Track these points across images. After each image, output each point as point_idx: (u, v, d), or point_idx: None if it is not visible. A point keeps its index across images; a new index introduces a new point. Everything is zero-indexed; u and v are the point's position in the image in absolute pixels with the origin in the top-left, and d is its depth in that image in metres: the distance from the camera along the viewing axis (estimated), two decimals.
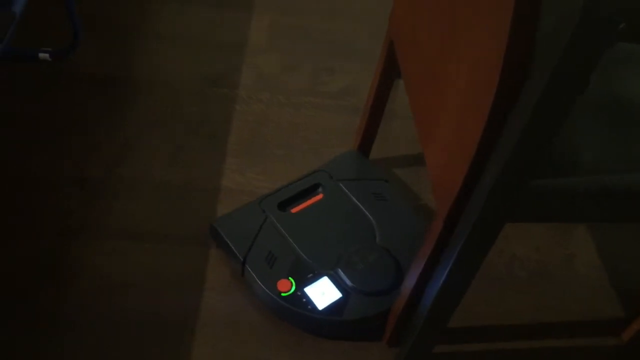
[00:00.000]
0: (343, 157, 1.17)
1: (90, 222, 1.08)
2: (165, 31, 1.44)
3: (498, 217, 0.68)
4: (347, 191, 1.09)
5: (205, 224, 1.07)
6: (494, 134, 0.63)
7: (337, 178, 1.11)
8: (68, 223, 1.07)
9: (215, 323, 0.98)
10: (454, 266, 0.73)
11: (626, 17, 0.49)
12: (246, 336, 0.98)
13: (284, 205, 1.07)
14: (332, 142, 1.24)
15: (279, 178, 1.15)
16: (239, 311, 1.00)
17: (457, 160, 0.70)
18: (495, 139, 0.63)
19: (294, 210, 1.06)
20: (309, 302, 0.96)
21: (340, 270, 0.99)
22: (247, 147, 1.23)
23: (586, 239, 1.15)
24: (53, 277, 1.01)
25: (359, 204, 1.08)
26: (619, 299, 1.08)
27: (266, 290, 0.97)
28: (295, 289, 0.97)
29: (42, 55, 1.26)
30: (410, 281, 0.86)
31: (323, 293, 0.97)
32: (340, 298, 0.97)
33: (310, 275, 0.99)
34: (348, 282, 0.98)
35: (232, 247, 1.01)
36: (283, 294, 0.96)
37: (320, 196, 1.09)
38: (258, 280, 0.98)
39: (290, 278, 0.98)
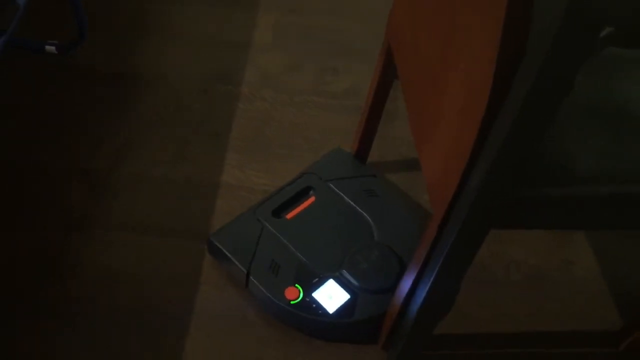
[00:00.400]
0: (329, 157, 1.17)
1: (92, 216, 1.09)
2: (171, 29, 1.44)
3: (484, 223, 0.68)
4: (338, 191, 1.09)
5: (205, 220, 1.08)
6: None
7: (326, 178, 1.11)
8: (70, 217, 1.09)
9: (214, 318, 0.99)
10: (440, 270, 0.73)
11: (615, 23, 0.49)
12: (243, 332, 0.98)
13: (278, 212, 1.06)
14: (334, 142, 1.24)
15: (279, 176, 1.15)
16: (237, 307, 1.00)
17: (451, 166, 0.71)
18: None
19: (289, 216, 1.05)
20: (319, 307, 0.95)
21: (345, 271, 0.98)
22: (249, 144, 1.23)
23: (585, 243, 1.15)
24: (54, 270, 1.02)
25: (352, 202, 1.08)
26: (617, 304, 1.08)
27: (274, 300, 0.96)
28: (304, 295, 0.96)
29: (48, 47, 1.27)
30: (405, 285, 0.87)
31: (331, 296, 0.96)
32: (349, 299, 0.96)
33: (316, 279, 0.98)
34: (355, 282, 0.97)
35: (234, 260, 1.00)
36: (292, 302, 0.95)
37: (312, 199, 1.08)
38: (265, 291, 0.96)
39: (297, 285, 0.97)
